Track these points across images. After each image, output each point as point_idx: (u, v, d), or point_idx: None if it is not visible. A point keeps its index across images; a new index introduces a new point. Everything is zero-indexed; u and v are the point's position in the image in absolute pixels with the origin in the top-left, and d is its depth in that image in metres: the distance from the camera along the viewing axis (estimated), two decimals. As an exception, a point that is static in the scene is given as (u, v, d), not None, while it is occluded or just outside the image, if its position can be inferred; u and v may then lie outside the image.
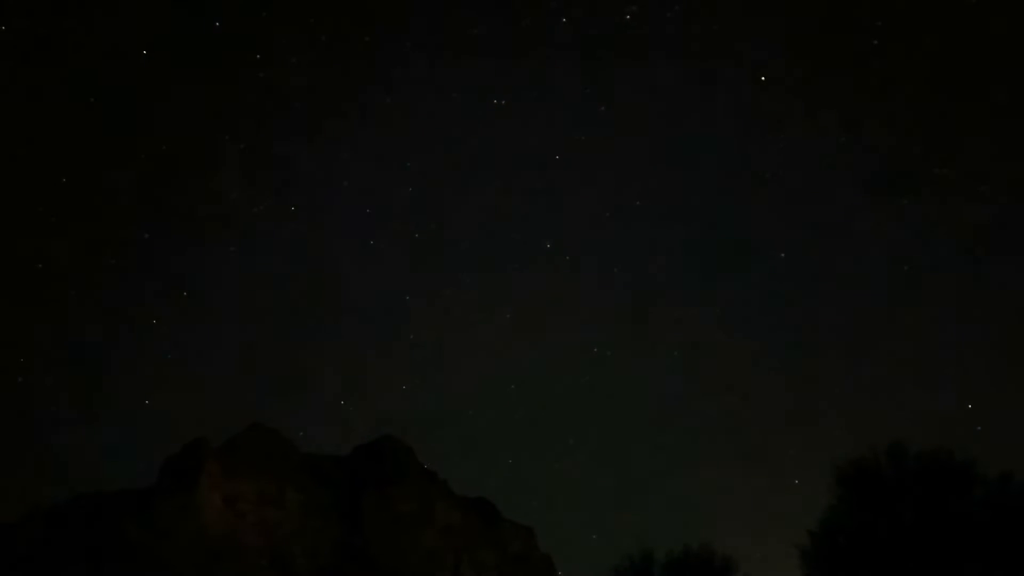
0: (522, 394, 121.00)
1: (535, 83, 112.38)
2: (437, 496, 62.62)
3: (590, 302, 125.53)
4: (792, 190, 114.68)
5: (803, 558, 19.01)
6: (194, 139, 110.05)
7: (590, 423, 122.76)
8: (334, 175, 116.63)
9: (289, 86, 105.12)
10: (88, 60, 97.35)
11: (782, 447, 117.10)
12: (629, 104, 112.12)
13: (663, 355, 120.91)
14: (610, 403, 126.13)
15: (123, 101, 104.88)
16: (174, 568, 48.66)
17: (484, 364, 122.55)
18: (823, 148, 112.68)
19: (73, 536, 50.98)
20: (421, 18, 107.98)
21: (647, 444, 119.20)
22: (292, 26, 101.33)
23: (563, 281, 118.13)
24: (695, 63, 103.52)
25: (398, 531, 59.15)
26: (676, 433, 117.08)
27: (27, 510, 54.03)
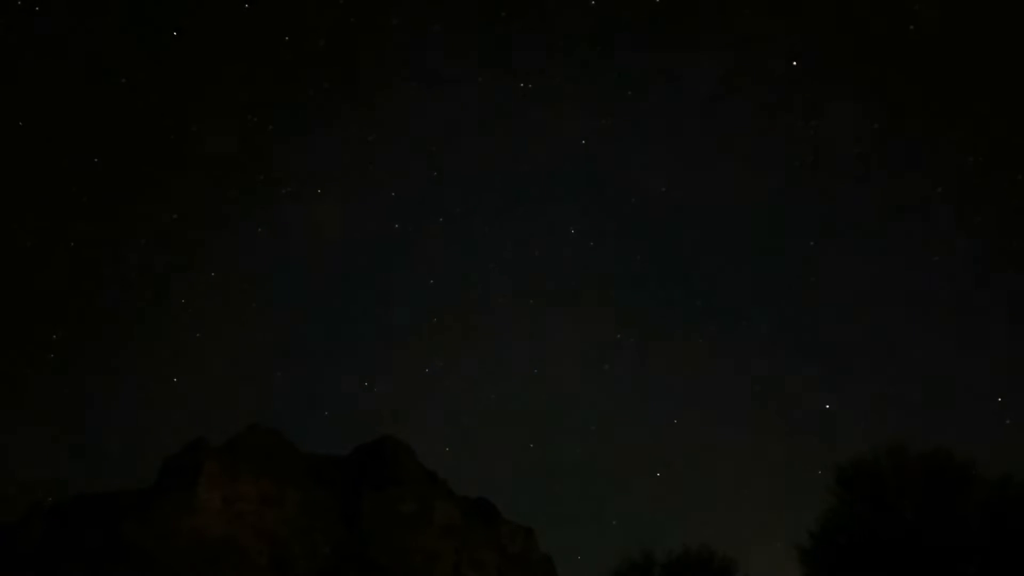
0: (526, 393, 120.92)
1: (560, 69, 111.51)
2: (437, 496, 62.60)
3: (598, 301, 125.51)
4: (794, 190, 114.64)
5: (803, 558, 18.97)
6: (221, 121, 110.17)
7: (591, 423, 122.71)
8: (360, 159, 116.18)
9: (316, 69, 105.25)
10: (120, 43, 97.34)
11: (782, 447, 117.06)
12: (655, 91, 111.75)
13: (664, 355, 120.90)
14: (612, 402, 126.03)
15: (153, 83, 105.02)
16: (174, 568, 48.62)
17: (490, 360, 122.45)
18: (828, 150, 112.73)
19: (73, 536, 50.96)
20: (448, 2, 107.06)
21: (647, 444, 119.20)
22: (320, 9, 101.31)
23: (580, 279, 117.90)
24: (724, 52, 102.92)
25: (398, 531, 59.11)
26: (676, 433, 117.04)
27: (27, 510, 54.04)
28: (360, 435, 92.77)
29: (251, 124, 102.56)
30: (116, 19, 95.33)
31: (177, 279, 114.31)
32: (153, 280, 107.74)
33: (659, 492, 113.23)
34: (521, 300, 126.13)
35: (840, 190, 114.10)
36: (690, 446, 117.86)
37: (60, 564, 48.99)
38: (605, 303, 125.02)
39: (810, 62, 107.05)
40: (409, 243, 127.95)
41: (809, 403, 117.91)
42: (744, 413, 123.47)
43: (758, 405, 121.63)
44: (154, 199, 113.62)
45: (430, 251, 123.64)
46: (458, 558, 61.32)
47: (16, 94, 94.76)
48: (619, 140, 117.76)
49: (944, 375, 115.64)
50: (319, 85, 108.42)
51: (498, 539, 65.28)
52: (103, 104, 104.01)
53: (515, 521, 67.83)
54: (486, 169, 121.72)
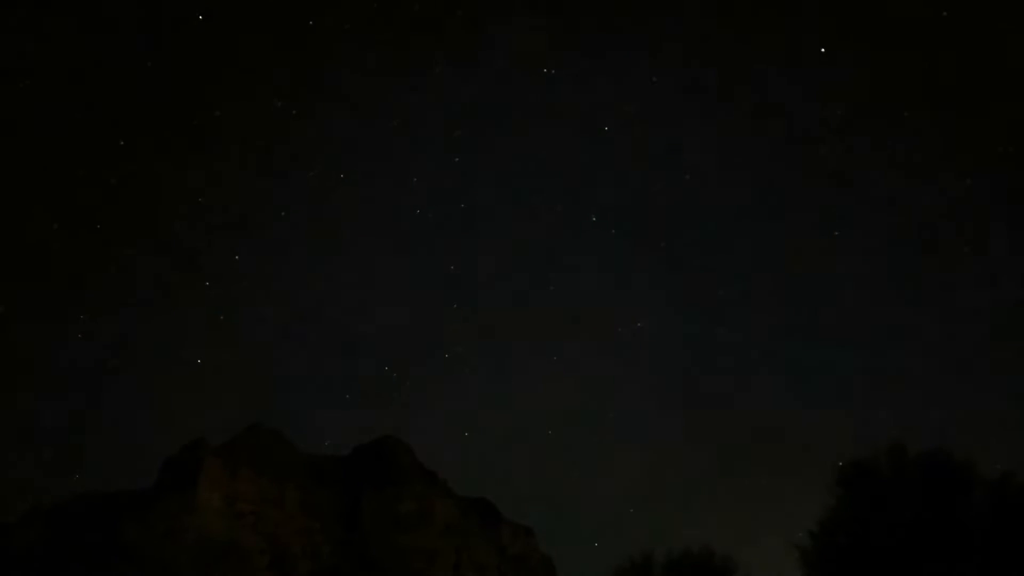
0: (528, 391, 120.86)
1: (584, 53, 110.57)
2: (437, 496, 62.59)
3: (600, 300, 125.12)
4: (795, 191, 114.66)
5: (803, 558, 18.99)
6: (248, 106, 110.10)
7: (592, 422, 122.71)
8: (382, 147, 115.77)
9: (341, 53, 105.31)
10: (146, 27, 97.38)
11: (782, 447, 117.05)
12: (679, 77, 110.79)
13: (664, 355, 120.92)
14: (613, 402, 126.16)
15: (179, 67, 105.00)
16: (174, 568, 48.63)
17: (492, 359, 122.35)
18: (828, 153, 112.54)
19: (73, 536, 50.98)
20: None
21: (647, 444, 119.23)
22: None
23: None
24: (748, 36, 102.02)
25: (398, 531, 59.12)
26: (676, 433, 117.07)
27: (27, 510, 54.07)
28: (360, 435, 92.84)
29: (275, 109, 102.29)
30: (142, 4, 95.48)
31: (181, 276, 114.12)
32: (157, 277, 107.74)
33: (659, 492, 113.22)
34: (523, 298, 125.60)
35: (847, 185, 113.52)
36: (691, 446, 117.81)
37: (60, 564, 49.00)
38: (608, 302, 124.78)
39: (838, 50, 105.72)
40: (436, 224, 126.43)
41: (809, 403, 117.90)
42: (744, 413, 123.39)
43: (758, 405, 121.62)
44: (177, 185, 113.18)
45: (436, 248, 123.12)
46: (458, 558, 61.32)
47: (41, 79, 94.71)
48: (642, 127, 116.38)
49: (945, 375, 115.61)
50: (342, 70, 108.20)
51: (498, 539, 65.30)
52: (129, 88, 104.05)
53: (515, 521, 67.87)
54: (506, 157, 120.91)
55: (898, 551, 17.27)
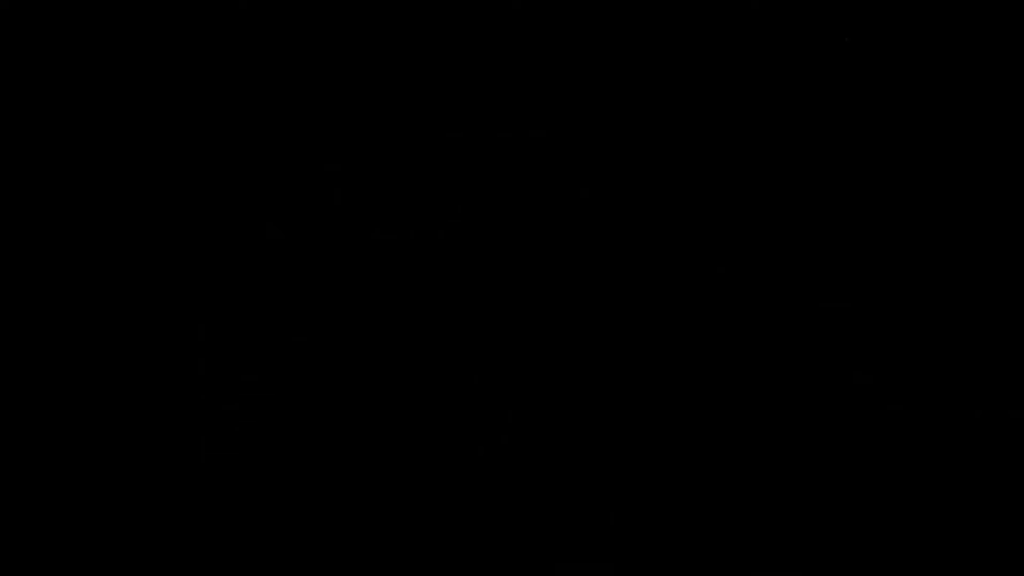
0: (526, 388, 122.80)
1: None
2: (437, 495, 63.31)
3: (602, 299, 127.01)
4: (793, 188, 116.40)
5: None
6: (263, 92, 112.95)
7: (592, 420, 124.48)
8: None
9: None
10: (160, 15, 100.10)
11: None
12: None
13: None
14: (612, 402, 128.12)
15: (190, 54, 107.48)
16: (174, 567, 49.18)
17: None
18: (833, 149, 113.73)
19: (73, 535, 51.50)
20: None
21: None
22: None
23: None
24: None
25: (398, 530, 59.83)
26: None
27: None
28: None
29: (291, 99, 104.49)
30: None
31: (181, 271, 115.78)
32: (158, 271, 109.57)
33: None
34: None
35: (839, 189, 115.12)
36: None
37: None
38: (605, 305, 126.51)
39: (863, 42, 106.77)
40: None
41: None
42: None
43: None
44: (183, 176, 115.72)
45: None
46: (458, 557, 62.06)
47: (62, 66, 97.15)
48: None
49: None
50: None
51: (498, 538, 66.05)
52: (145, 76, 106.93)
53: (515, 520, 68.62)
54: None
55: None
